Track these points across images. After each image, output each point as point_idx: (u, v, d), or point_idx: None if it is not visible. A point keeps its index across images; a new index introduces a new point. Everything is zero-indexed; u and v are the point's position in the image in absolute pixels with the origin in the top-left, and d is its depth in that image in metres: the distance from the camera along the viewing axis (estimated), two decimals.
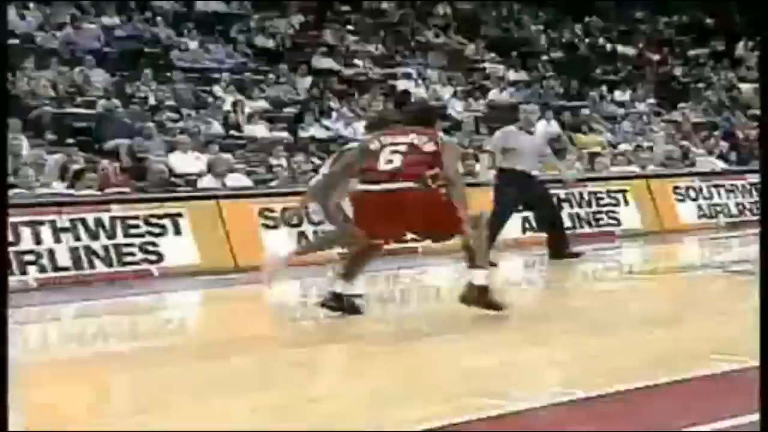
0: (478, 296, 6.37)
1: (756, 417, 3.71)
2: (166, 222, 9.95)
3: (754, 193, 13.68)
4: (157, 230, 9.87)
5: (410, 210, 6.32)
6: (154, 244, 9.84)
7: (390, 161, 6.39)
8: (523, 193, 9.86)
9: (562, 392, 4.33)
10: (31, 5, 16.43)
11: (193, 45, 17.32)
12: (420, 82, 18.13)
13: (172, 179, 12.43)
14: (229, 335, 6.60)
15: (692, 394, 4.39)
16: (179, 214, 10.05)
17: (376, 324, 6.77)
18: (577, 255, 10.08)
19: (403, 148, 6.43)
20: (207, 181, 12.18)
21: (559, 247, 10.04)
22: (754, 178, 13.85)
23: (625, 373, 4.63)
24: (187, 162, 12.95)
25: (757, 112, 19.86)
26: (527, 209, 10.61)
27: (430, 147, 6.41)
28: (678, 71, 21.85)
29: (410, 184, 6.30)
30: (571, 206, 12.30)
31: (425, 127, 6.61)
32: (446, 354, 5.57)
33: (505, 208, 9.73)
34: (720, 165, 15.63)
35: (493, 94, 18.32)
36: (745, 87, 21.26)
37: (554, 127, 17.04)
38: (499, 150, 9.92)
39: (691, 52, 23.09)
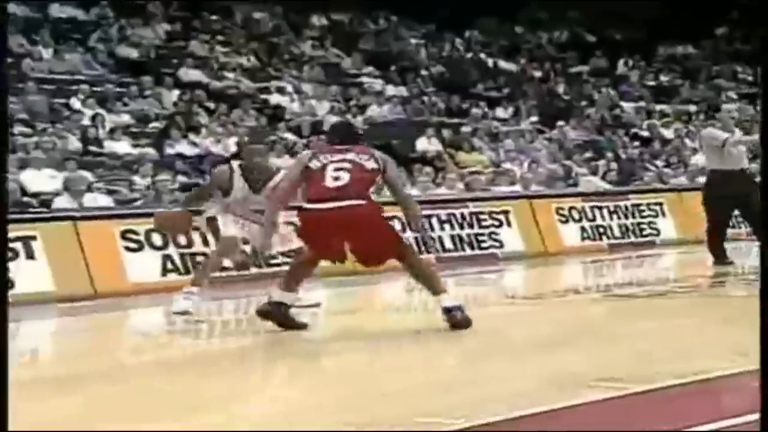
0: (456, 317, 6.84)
1: None
2: (17, 245, 9.69)
3: (637, 214, 14.08)
4: (9, 255, 9.59)
5: (357, 228, 6.72)
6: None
7: (337, 178, 6.71)
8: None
9: (443, 422, 4.34)
10: None
11: (48, 54, 16.97)
12: (295, 96, 18.12)
13: (25, 199, 12.15)
14: (88, 367, 6.42)
15: (577, 421, 4.45)
16: (32, 237, 9.82)
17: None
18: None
19: (347, 165, 6.76)
20: (63, 201, 11.92)
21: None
22: (637, 199, 14.28)
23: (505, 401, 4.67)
24: (41, 180, 12.68)
25: (639, 131, 20.57)
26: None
27: (371, 164, 6.81)
28: (560, 88, 22.37)
29: (360, 201, 6.71)
30: (452, 227, 12.43)
31: (353, 145, 7.03)
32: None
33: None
34: (603, 185, 16.02)
35: (372, 110, 18.44)
36: (627, 105, 21.94)
37: (434, 144, 17.27)
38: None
39: (573, 69, 23.70)
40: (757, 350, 5.10)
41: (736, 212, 10.95)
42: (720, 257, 10.43)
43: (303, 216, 6.93)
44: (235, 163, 8.18)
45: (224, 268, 9.47)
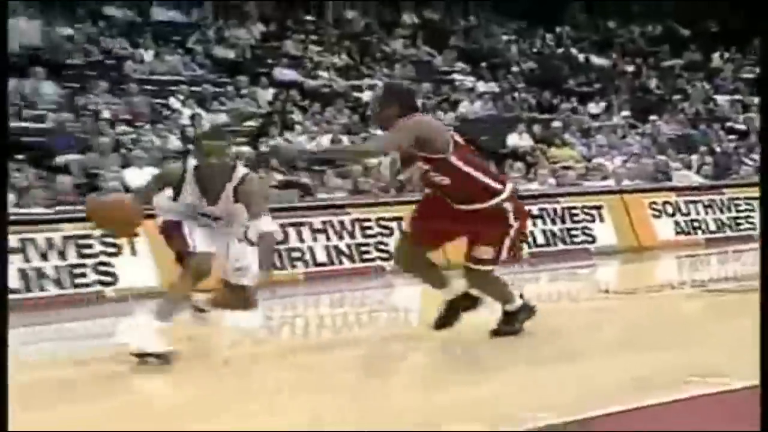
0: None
1: None
2: (122, 241, 9.85)
3: (732, 208, 13.81)
4: (111, 250, 9.78)
5: None
6: (108, 264, 9.75)
7: None
8: None
9: (534, 418, 4.33)
10: None
11: (149, 56, 17.27)
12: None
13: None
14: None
15: (671, 418, 4.40)
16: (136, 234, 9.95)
17: None
18: None
19: None
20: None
21: None
22: (732, 193, 14.01)
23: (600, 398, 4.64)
24: (142, 178, 12.84)
25: (734, 125, 20.16)
26: None
27: None
28: (653, 83, 22.05)
29: None
30: (545, 222, 12.35)
31: None
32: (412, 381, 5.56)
33: None
34: (697, 179, 15.73)
35: (463, 107, 18.41)
36: (721, 99, 21.51)
37: (525, 140, 17.16)
38: None
39: (666, 63, 23.34)
40: None
41: None
42: None
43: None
44: (190, 163, 6.37)
45: None
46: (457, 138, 6.09)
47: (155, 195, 6.35)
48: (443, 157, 5.90)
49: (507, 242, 6.09)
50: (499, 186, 6.08)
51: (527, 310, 6.42)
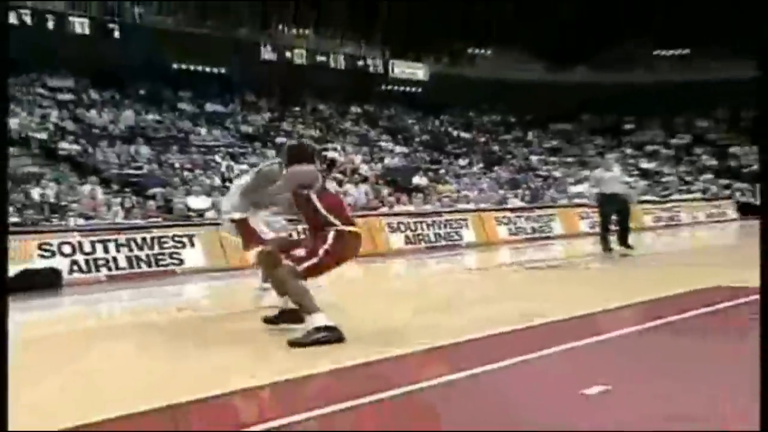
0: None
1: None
2: (185, 240, 9.71)
3: (540, 220, 13.95)
4: (180, 244, 9.62)
5: None
6: (178, 253, 9.58)
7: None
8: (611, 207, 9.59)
9: (420, 343, 4.31)
10: (105, 110, 16.17)
11: (204, 131, 17.07)
12: (342, 152, 18.05)
13: (189, 213, 12.17)
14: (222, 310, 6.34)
15: (509, 342, 4.42)
16: (193, 235, 9.82)
17: None
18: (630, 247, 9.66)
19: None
20: (211, 215, 11.92)
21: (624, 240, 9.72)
22: (540, 212, 14.21)
23: (465, 331, 4.62)
24: (198, 202, 12.69)
25: (540, 173, 20.47)
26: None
27: None
28: (496, 147, 22.35)
29: None
30: (434, 228, 12.37)
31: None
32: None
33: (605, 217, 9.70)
34: (521, 204, 15.93)
35: (387, 161, 18.44)
36: (533, 158, 21.92)
37: (424, 180, 17.21)
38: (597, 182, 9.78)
39: (502, 137, 23.69)
40: (600, 298, 5.08)
41: (615, 217, 10.00)
42: (606, 243, 9.83)
43: (344, 235, 4.51)
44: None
45: None
46: (325, 184, 4.67)
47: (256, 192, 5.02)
48: (306, 194, 4.56)
49: (314, 259, 4.35)
50: (336, 222, 4.49)
51: (325, 331, 4.24)
